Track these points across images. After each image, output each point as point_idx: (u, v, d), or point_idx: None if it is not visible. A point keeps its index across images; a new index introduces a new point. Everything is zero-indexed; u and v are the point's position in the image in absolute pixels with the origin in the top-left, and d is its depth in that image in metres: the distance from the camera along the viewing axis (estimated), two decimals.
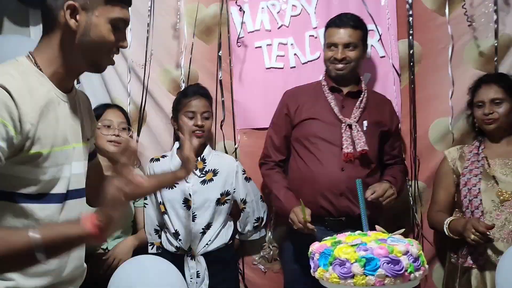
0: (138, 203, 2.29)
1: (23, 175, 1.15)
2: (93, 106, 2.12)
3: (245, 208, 2.28)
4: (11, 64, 1.17)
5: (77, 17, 1.18)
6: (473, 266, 1.97)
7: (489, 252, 1.94)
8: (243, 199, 2.26)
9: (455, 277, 2.03)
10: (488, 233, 1.83)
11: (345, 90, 2.18)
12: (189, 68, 2.48)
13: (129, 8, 1.27)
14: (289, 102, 2.22)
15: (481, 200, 1.96)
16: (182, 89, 2.40)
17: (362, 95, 2.17)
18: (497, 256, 1.91)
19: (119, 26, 1.23)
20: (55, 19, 1.19)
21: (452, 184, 2.11)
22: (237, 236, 2.36)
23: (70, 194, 1.25)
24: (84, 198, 1.36)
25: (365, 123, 2.12)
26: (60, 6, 1.18)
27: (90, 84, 2.49)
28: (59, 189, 1.22)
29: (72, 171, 1.25)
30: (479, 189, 1.97)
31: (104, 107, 2.24)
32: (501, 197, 1.94)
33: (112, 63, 1.28)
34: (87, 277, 1.38)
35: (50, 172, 1.19)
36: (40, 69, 1.20)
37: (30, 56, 1.21)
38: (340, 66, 2.13)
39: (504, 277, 1.49)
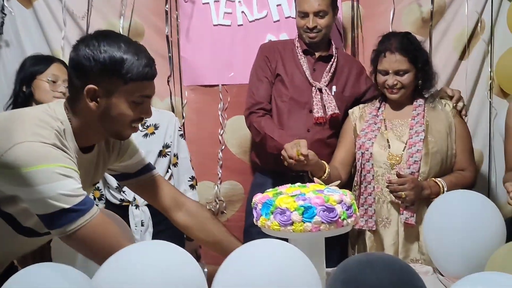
0: None
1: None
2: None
3: (177, 162, 2.32)
4: (50, 116, 1.26)
5: (98, 99, 1.24)
6: (364, 228, 1.96)
7: (379, 213, 1.95)
8: (176, 154, 2.29)
9: (353, 238, 2.05)
10: (301, 158, 1.79)
11: (317, 54, 2.24)
12: (131, 21, 2.42)
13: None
14: (268, 55, 2.25)
15: (372, 164, 1.95)
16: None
17: (332, 60, 2.24)
18: (387, 217, 1.94)
19: (140, 101, 1.27)
20: (79, 92, 1.25)
21: (351, 143, 2.06)
22: None
23: None
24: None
25: (334, 88, 2.21)
26: (81, 86, 1.23)
27: (28, 34, 2.42)
28: None
29: None
30: (371, 153, 1.95)
31: (49, 61, 2.16)
32: (391, 161, 1.94)
33: (135, 131, 1.34)
34: None
35: None
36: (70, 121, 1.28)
37: (67, 107, 1.29)
38: (312, 35, 2.18)
39: (430, 232, 1.58)
